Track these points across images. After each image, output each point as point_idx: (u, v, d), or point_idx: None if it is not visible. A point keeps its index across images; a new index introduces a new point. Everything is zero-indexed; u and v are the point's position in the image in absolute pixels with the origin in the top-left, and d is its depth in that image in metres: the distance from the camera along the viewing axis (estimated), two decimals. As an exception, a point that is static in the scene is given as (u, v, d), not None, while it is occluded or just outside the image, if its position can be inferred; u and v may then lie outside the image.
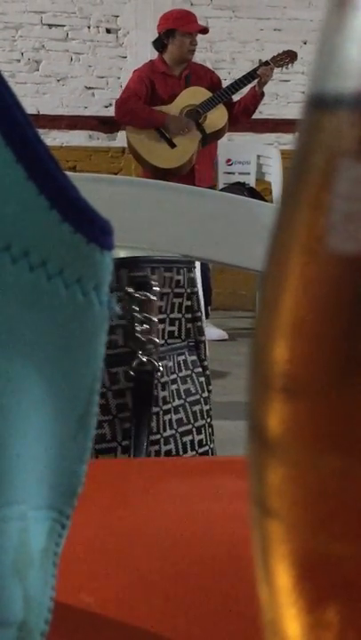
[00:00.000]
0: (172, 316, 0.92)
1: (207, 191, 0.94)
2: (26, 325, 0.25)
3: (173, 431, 0.90)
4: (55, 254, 0.26)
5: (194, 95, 4.23)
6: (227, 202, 0.93)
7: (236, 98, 4.36)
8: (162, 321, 0.90)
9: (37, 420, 0.26)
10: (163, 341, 0.90)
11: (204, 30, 4.20)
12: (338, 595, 0.14)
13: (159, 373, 0.86)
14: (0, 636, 0.26)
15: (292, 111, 5.11)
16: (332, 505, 0.14)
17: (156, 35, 4.33)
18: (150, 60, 4.34)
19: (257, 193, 4.53)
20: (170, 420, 0.90)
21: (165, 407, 0.89)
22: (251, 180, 4.85)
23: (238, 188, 4.52)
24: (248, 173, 4.89)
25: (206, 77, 4.31)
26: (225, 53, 5.49)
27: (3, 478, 0.25)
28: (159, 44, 4.26)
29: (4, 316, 0.25)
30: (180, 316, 0.92)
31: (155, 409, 0.88)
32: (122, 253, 0.95)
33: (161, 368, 0.87)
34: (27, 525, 0.26)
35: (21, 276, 0.25)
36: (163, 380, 0.89)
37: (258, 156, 4.96)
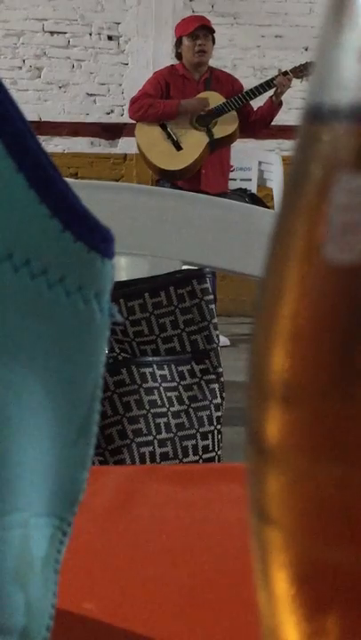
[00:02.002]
0: (163, 335, 0.93)
1: (208, 198, 0.94)
2: (27, 333, 0.25)
3: (171, 434, 0.91)
4: (56, 262, 0.26)
5: (210, 99, 4.22)
6: (228, 208, 0.93)
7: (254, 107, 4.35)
8: (149, 342, 0.92)
9: (38, 428, 0.26)
10: (159, 357, 0.91)
11: (205, 27, 4.19)
12: (337, 602, 0.14)
13: (138, 379, 0.88)
14: (2, 643, 0.26)
15: (294, 117, 5.10)
16: (330, 513, 0.14)
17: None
18: (172, 65, 4.36)
19: (258, 199, 4.52)
20: (166, 423, 0.91)
21: (156, 410, 0.90)
22: (252, 187, 4.85)
23: (240, 194, 4.52)
24: (249, 180, 4.89)
25: (228, 84, 4.30)
26: (226, 60, 5.49)
27: (4, 486, 0.25)
28: (176, 54, 4.30)
29: (4, 323, 0.25)
30: (177, 331, 0.93)
31: (139, 411, 0.89)
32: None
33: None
34: (28, 532, 0.26)
35: (23, 285, 0.25)
36: (147, 385, 0.90)
37: (259, 162, 4.97)
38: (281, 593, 0.15)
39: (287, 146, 5.01)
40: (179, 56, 4.29)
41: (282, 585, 0.14)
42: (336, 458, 0.13)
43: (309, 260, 0.14)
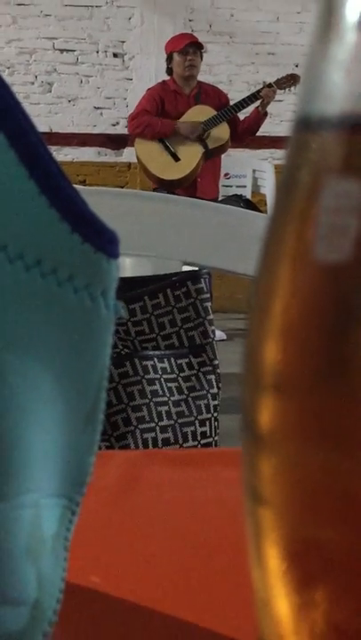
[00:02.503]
0: (162, 333, 0.94)
1: (206, 203, 0.94)
2: (38, 328, 0.25)
3: (172, 421, 0.92)
4: (65, 262, 0.26)
5: (200, 112, 4.25)
6: (224, 213, 0.93)
7: (241, 117, 4.37)
8: (150, 339, 0.93)
9: (49, 415, 0.26)
10: (159, 352, 0.93)
11: (194, 44, 4.21)
12: (324, 576, 0.14)
13: (141, 371, 0.89)
14: (16, 614, 0.26)
15: (285, 129, 5.11)
16: (318, 494, 0.14)
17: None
18: (163, 81, 4.37)
19: (253, 204, 4.53)
20: (167, 411, 0.92)
21: (158, 399, 0.91)
22: (247, 193, 4.85)
23: (235, 199, 4.53)
24: (244, 186, 4.90)
25: (215, 97, 4.34)
26: (223, 76, 5.49)
27: (17, 469, 0.25)
28: (167, 69, 4.32)
29: (18, 319, 0.25)
30: (175, 329, 0.94)
31: (141, 400, 0.90)
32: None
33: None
34: (39, 512, 0.26)
35: (34, 283, 0.25)
36: (149, 377, 0.91)
37: (253, 170, 4.97)
38: (273, 568, 0.15)
39: (279, 155, 5.01)
40: (170, 71, 4.32)
41: (273, 561, 0.14)
42: (323, 443, 0.13)
43: (300, 260, 0.14)
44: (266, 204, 4.67)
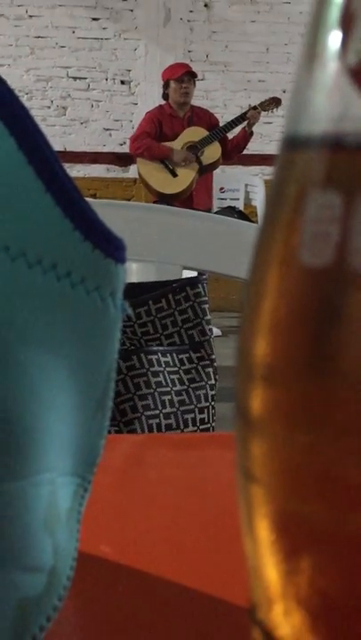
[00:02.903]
0: (166, 332, 0.96)
1: (203, 214, 0.94)
2: (55, 325, 0.25)
3: (174, 409, 0.92)
4: (78, 266, 0.26)
5: (194, 133, 4.27)
6: (220, 222, 0.93)
7: (230, 137, 4.39)
8: (155, 339, 0.94)
9: (64, 403, 0.26)
10: (162, 347, 0.94)
11: (189, 73, 4.23)
12: (307, 546, 0.14)
13: (146, 364, 0.91)
14: (34, 580, 0.26)
15: (274, 148, 5.09)
16: (302, 472, 0.13)
17: (161, 87, 4.42)
18: (160, 105, 4.38)
19: (245, 215, 4.54)
20: (170, 400, 0.92)
21: (161, 389, 0.92)
22: (240, 205, 4.85)
23: (230, 211, 4.55)
24: (238, 199, 4.90)
25: (206, 119, 4.36)
26: (219, 100, 5.49)
27: (35, 450, 0.25)
28: (164, 94, 4.34)
29: (36, 318, 0.25)
30: (176, 329, 0.95)
31: (146, 390, 0.91)
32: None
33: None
34: (55, 489, 0.26)
35: (50, 285, 0.25)
36: (153, 369, 0.92)
37: (246, 184, 4.97)
38: (262, 538, 0.15)
39: (268, 171, 5.01)
40: (166, 96, 4.34)
41: (263, 532, 0.14)
42: (306, 427, 0.13)
43: (286, 265, 0.14)
44: (257, 215, 4.68)
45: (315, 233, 0.13)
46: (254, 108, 4.40)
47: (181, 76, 4.20)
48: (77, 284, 0.25)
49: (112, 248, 0.26)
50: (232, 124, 4.33)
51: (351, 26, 0.13)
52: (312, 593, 0.14)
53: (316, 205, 0.13)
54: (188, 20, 5.51)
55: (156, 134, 4.25)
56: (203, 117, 4.35)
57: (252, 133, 4.40)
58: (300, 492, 0.14)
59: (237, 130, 4.39)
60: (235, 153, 4.40)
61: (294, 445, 0.13)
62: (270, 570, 0.14)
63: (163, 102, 4.41)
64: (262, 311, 0.14)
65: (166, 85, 4.32)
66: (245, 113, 4.38)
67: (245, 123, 4.36)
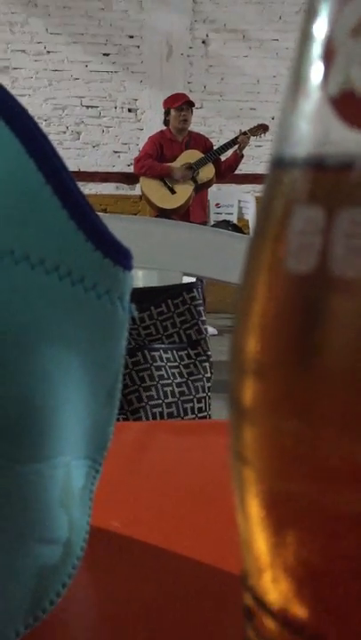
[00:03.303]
0: (166, 333, 0.96)
1: (201, 226, 0.94)
2: (69, 325, 0.25)
3: (175, 399, 0.92)
4: (90, 273, 0.25)
5: (191, 156, 4.30)
6: (216, 234, 0.93)
7: (223, 159, 4.40)
8: (157, 339, 0.95)
9: (77, 394, 0.26)
10: (164, 345, 0.95)
11: (188, 102, 4.25)
12: (292, 521, 0.14)
13: (150, 359, 0.91)
14: (52, 551, 0.26)
15: (263, 168, 5.08)
16: (287, 456, 0.13)
17: (164, 114, 4.46)
18: (161, 130, 4.39)
19: (238, 228, 4.55)
20: (172, 391, 0.93)
21: (163, 382, 0.92)
22: (234, 219, 4.85)
23: (225, 224, 4.55)
24: (232, 214, 4.90)
25: (202, 143, 4.38)
26: (215, 126, 5.49)
27: (52, 436, 0.25)
28: (165, 120, 4.36)
29: (53, 318, 0.25)
30: (175, 329, 0.96)
31: (150, 382, 0.91)
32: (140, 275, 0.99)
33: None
34: (70, 470, 0.26)
35: (65, 290, 0.25)
36: (156, 364, 0.92)
37: (239, 200, 4.97)
38: (253, 514, 0.14)
39: (259, 189, 5.01)
40: (167, 122, 4.36)
41: (253, 509, 0.14)
42: (292, 415, 0.13)
43: (274, 271, 0.14)
44: (248, 228, 4.68)
45: (299, 243, 0.13)
46: (244, 133, 4.43)
47: (181, 104, 4.22)
48: (90, 288, 0.25)
49: (120, 257, 0.26)
50: (224, 148, 4.36)
51: (331, 60, 0.13)
52: (297, 563, 0.14)
53: (301, 219, 0.13)
54: (188, 56, 5.50)
55: (157, 156, 4.27)
56: (199, 141, 4.37)
57: (242, 156, 4.42)
58: (285, 473, 0.13)
59: (230, 152, 4.41)
60: (228, 173, 4.42)
61: (281, 432, 0.13)
62: (260, 542, 0.14)
63: (164, 128, 4.42)
64: (253, 313, 0.14)
65: (167, 113, 4.34)
66: (236, 138, 4.41)
67: (236, 146, 4.38)
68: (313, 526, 0.13)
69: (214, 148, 4.40)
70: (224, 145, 4.37)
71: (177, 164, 4.27)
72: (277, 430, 0.13)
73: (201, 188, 4.31)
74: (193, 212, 4.31)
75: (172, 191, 4.24)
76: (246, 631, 0.16)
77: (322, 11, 0.13)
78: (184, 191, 4.24)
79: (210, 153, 4.30)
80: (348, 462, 0.12)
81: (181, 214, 4.23)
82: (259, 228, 0.14)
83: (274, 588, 0.14)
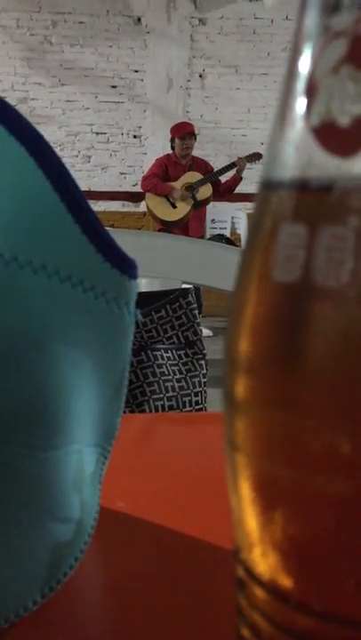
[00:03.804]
0: (166, 335, 0.97)
1: (199, 240, 0.94)
2: (81, 328, 0.25)
3: (176, 393, 0.92)
4: (100, 282, 0.25)
5: (192, 177, 4.34)
6: (212, 246, 0.93)
7: (223, 180, 4.43)
8: (157, 340, 0.95)
9: (89, 389, 0.26)
10: (164, 345, 0.95)
11: (190, 133, 4.30)
12: (280, 501, 0.14)
13: (152, 358, 0.92)
14: (65, 529, 0.26)
15: (254, 188, 5.09)
16: (275, 443, 0.13)
17: (165, 139, 4.51)
18: (168, 154, 4.45)
19: (231, 241, 4.56)
20: (172, 386, 0.93)
21: (165, 378, 0.93)
22: (227, 233, 4.85)
23: (219, 238, 4.57)
24: (225, 228, 4.90)
25: (203, 166, 4.43)
26: (210, 150, 5.48)
27: (66, 426, 0.25)
28: (171, 147, 4.39)
29: (67, 322, 0.25)
30: (174, 332, 0.96)
31: (153, 378, 0.91)
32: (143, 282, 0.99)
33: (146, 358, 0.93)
34: (82, 457, 0.26)
35: (78, 296, 0.25)
36: (158, 362, 0.93)
37: (232, 217, 4.97)
38: (244, 495, 0.14)
39: (250, 206, 5.01)
40: (173, 148, 4.38)
41: (245, 490, 0.14)
42: (279, 407, 0.13)
43: (263, 280, 0.14)
44: (240, 241, 4.68)
45: (285, 256, 0.13)
46: (240, 159, 4.46)
47: (183, 135, 4.28)
48: (99, 295, 0.25)
49: (126, 267, 0.26)
50: (222, 171, 4.41)
51: (314, 95, 0.13)
52: (283, 538, 0.14)
53: (286, 235, 0.13)
54: (187, 88, 5.51)
55: (162, 176, 4.31)
56: (201, 165, 4.42)
57: (241, 178, 4.46)
58: (273, 459, 0.13)
59: (228, 175, 4.43)
60: (226, 193, 4.46)
61: (269, 422, 0.13)
62: (250, 520, 0.14)
63: (169, 151, 4.46)
64: (244, 317, 0.14)
65: (172, 140, 4.37)
66: (234, 163, 4.44)
67: (234, 169, 4.41)
68: (297, 506, 0.13)
69: (213, 171, 4.43)
70: (221, 169, 4.40)
71: (179, 183, 4.31)
72: (266, 420, 0.13)
73: (199, 206, 4.34)
74: (191, 227, 4.34)
75: (174, 206, 4.29)
76: (238, 600, 0.16)
77: (306, 50, 0.13)
78: (184, 206, 4.29)
79: (209, 175, 4.34)
80: (328, 449, 0.12)
81: (181, 227, 4.27)
82: (250, 241, 0.14)
83: (263, 560, 0.14)
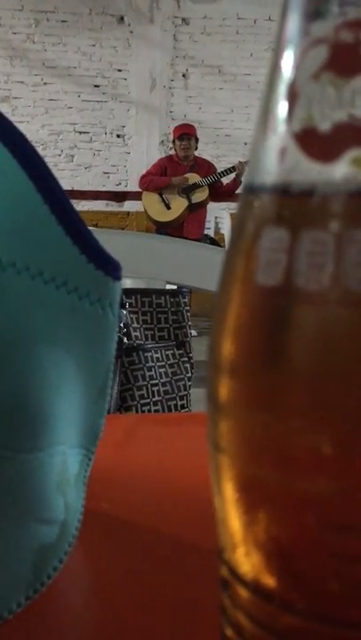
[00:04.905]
0: (159, 325, 0.96)
1: (183, 240, 0.94)
2: (65, 329, 0.25)
3: (161, 397, 0.93)
4: (83, 283, 0.26)
5: (191, 178, 4.34)
6: (195, 246, 0.93)
7: (225, 182, 4.42)
8: (150, 328, 0.95)
9: (73, 390, 0.26)
10: (154, 342, 0.95)
11: (187, 134, 4.31)
12: (263, 502, 0.14)
13: (143, 360, 0.92)
14: (50, 531, 0.25)
15: (238, 190, 5.12)
16: (256, 445, 0.14)
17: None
18: (170, 155, 4.48)
19: (215, 241, 4.57)
20: (158, 390, 0.93)
21: (152, 382, 0.93)
22: (211, 233, 4.86)
23: (204, 238, 4.58)
24: (209, 228, 4.91)
25: (205, 167, 4.43)
26: (195, 151, 5.49)
27: (50, 428, 0.25)
28: (173, 148, 4.42)
29: (51, 322, 0.25)
30: (167, 325, 0.96)
31: (142, 382, 0.92)
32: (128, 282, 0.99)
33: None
34: (66, 458, 0.26)
35: (62, 297, 0.25)
36: (148, 365, 0.93)
37: (215, 217, 4.98)
38: (227, 496, 0.15)
39: (233, 206, 5.02)
40: (175, 149, 4.40)
41: (228, 491, 0.14)
42: (261, 409, 0.13)
43: (246, 283, 0.14)
44: (224, 241, 4.69)
45: (267, 260, 0.13)
46: (241, 162, 4.47)
47: (180, 136, 4.31)
48: (83, 296, 0.25)
49: (110, 268, 0.26)
50: (221, 174, 4.41)
51: (295, 101, 0.13)
52: (265, 538, 0.14)
53: (269, 239, 0.13)
54: (170, 88, 5.51)
55: (159, 175, 4.33)
56: (203, 166, 4.42)
57: (241, 182, 4.46)
58: (256, 460, 0.14)
59: (230, 177, 4.43)
60: (225, 195, 4.47)
61: (251, 424, 0.14)
62: (233, 521, 0.14)
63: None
64: (227, 320, 0.14)
65: (173, 142, 4.40)
66: (234, 166, 4.44)
67: (234, 173, 4.41)
68: (280, 506, 0.13)
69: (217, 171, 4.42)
70: (221, 172, 4.40)
71: (177, 181, 4.32)
72: (248, 422, 0.13)
73: (195, 208, 4.35)
74: (187, 228, 4.35)
75: (168, 207, 4.30)
76: (222, 600, 0.16)
77: (287, 57, 0.13)
78: (178, 207, 4.30)
79: (206, 177, 4.34)
80: (308, 450, 0.12)
81: (175, 228, 4.28)
82: (233, 245, 0.14)
83: (246, 560, 0.14)
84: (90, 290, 0.25)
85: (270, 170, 0.13)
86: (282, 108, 0.13)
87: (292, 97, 0.13)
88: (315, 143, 0.12)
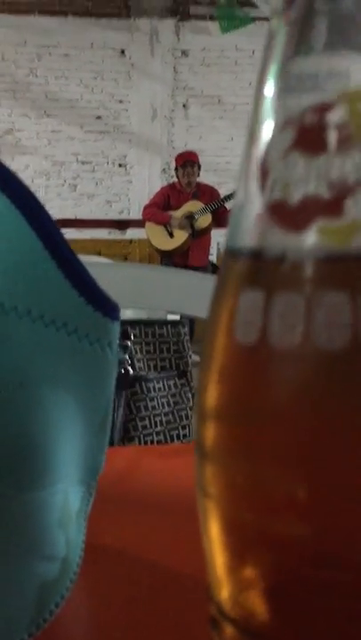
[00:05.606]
0: (161, 355, 0.96)
1: (181, 270, 0.95)
2: (66, 369, 0.26)
3: (163, 427, 0.92)
4: (83, 324, 0.26)
5: (193, 206, 4.36)
6: (195, 276, 0.94)
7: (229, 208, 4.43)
8: (153, 358, 0.95)
9: (73, 428, 0.27)
10: (156, 372, 0.95)
11: (190, 161, 4.33)
12: (247, 544, 0.15)
13: (145, 390, 0.92)
14: (51, 567, 0.26)
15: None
16: (241, 491, 0.14)
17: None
18: (172, 182, 4.48)
19: (218, 267, 4.56)
20: (160, 420, 0.93)
21: (155, 412, 0.93)
22: (213, 259, 4.88)
23: (209, 265, 4.59)
24: (212, 254, 4.92)
25: (208, 193, 4.42)
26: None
27: (52, 466, 0.25)
28: (176, 176, 4.43)
29: (51, 363, 0.25)
30: (169, 355, 0.96)
31: (145, 413, 0.91)
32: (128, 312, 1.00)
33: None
34: (67, 495, 0.26)
35: (62, 339, 0.25)
36: (150, 395, 0.93)
37: (218, 242, 5.00)
38: (214, 538, 0.15)
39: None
40: (177, 176, 4.41)
41: (214, 533, 0.15)
42: (246, 457, 0.14)
43: (227, 340, 0.15)
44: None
45: (244, 320, 0.14)
46: None
47: (183, 163, 4.31)
48: (83, 337, 0.26)
49: (108, 309, 0.27)
50: (223, 200, 4.41)
51: (266, 176, 0.14)
52: (250, 580, 0.14)
53: (245, 300, 0.14)
54: (171, 118, 5.59)
55: (163, 205, 4.35)
56: (206, 192, 4.42)
57: None
58: (239, 505, 0.14)
59: (230, 203, 4.45)
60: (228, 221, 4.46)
61: (234, 471, 0.14)
62: (220, 561, 0.15)
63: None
64: (211, 372, 0.15)
65: (176, 169, 4.42)
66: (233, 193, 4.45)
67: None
68: (261, 548, 0.14)
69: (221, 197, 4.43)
70: (224, 197, 4.41)
71: (180, 212, 4.33)
72: (231, 469, 0.14)
73: (198, 235, 4.36)
74: (192, 255, 4.35)
75: (171, 235, 4.32)
76: (212, 638, 0.17)
77: (259, 136, 0.14)
78: (181, 236, 4.32)
79: (209, 204, 4.35)
80: (287, 496, 0.13)
81: (180, 256, 4.29)
82: (215, 302, 0.15)
83: (233, 600, 0.15)
84: (89, 331, 0.26)
85: (247, 235, 0.14)
86: (255, 182, 0.14)
87: (264, 173, 0.14)
88: (286, 214, 0.13)
